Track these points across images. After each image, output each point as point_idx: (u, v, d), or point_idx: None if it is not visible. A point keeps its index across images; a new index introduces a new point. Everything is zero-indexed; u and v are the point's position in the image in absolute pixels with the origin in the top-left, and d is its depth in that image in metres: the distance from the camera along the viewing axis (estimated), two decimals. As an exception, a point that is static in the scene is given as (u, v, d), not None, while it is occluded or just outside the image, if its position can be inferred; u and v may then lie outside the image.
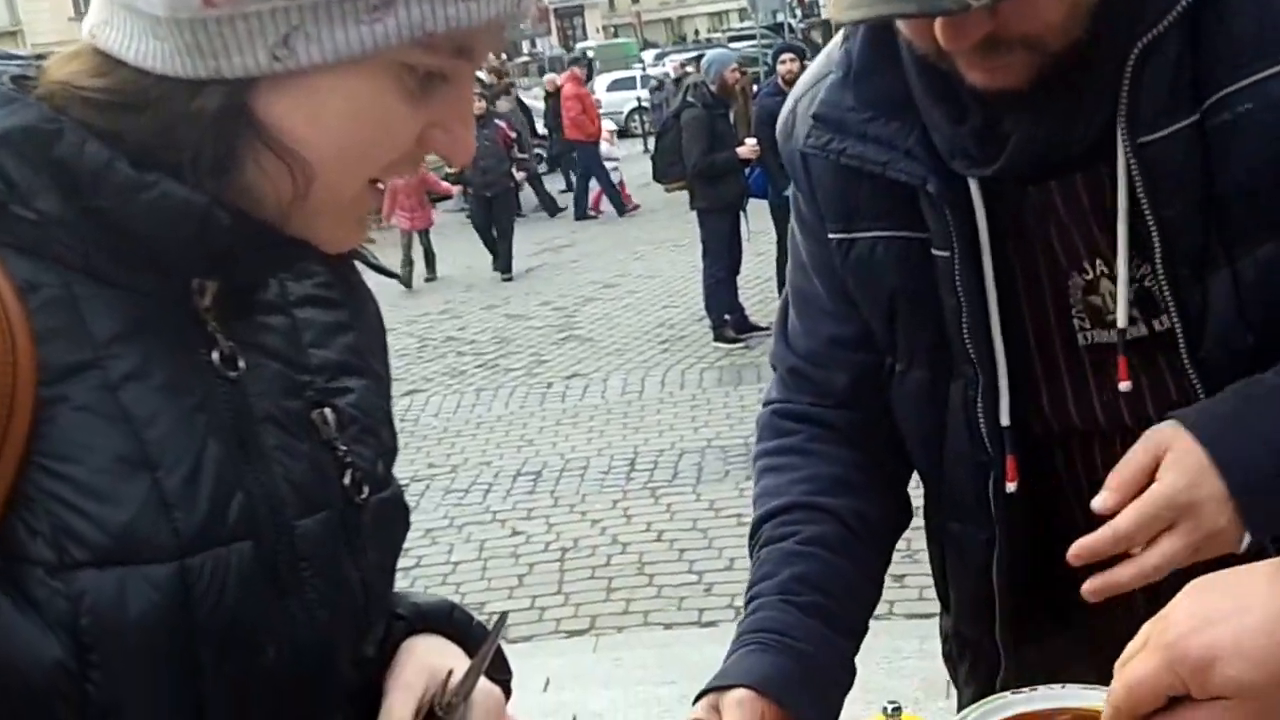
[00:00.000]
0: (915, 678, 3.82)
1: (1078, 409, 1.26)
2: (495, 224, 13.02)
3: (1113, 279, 1.19)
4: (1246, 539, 1.07)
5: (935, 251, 1.23)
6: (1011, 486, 1.26)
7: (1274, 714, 0.87)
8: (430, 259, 13.18)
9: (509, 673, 1.05)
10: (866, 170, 1.24)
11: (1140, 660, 0.89)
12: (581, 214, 16.57)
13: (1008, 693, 1.26)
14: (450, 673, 0.94)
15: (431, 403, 8.83)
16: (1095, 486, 1.18)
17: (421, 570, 5.92)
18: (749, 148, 9.01)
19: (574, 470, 7.01)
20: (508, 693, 1.02)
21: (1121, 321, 1.18)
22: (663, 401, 8.15)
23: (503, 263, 12.94)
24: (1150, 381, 1.22)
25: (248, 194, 0.82)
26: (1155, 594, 1.24)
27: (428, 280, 13.04)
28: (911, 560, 4.73)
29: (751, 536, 1.35)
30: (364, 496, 0.92)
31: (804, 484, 1.33)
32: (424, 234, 12.92)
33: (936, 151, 1.20)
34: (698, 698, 1.20)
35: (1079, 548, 1.11)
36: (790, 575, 1.26)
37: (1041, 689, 1.26)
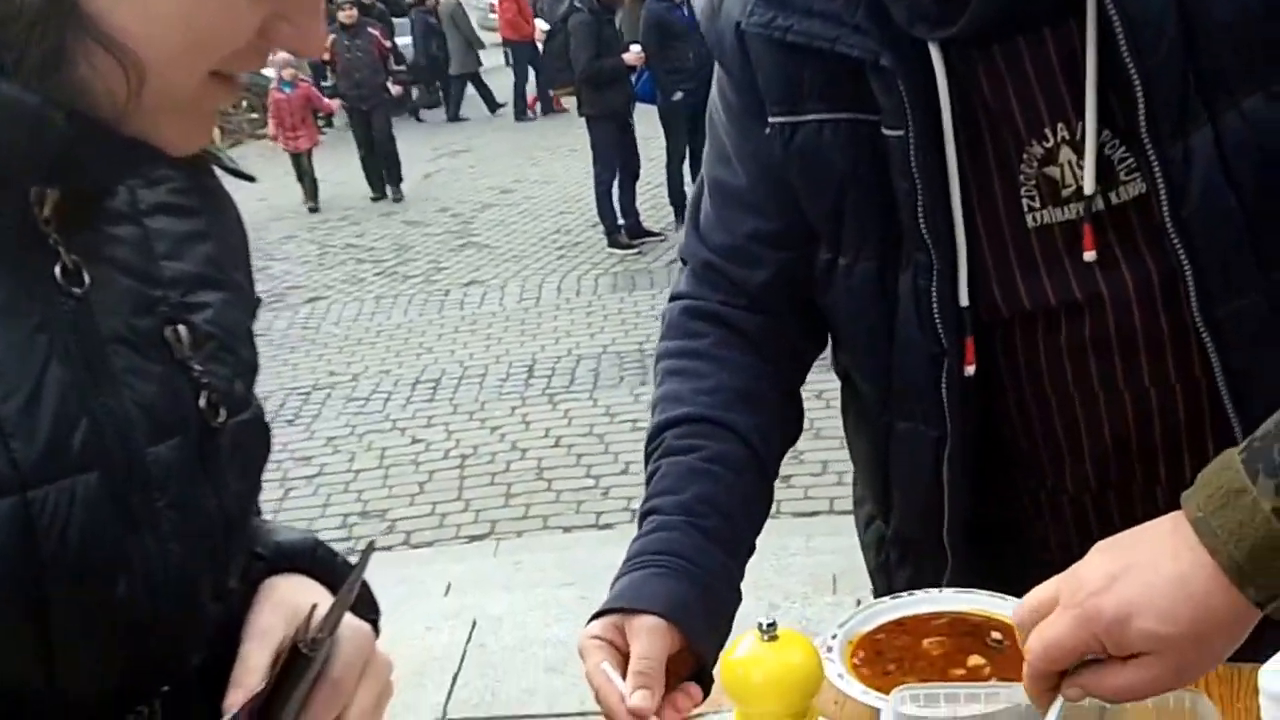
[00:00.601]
0: (802, 574, 3.94)
1: (1028, 292, 1.20)
2: (374, 139, 12.18)
3: (1074, 146, 1.14)
4: None
5: (887, 132, 1.17)
6: (970, 370, 1.21)
7: (1191, 667, 0.86)
8: (313, 186, 12.32)
9: (377, 611, 0.99)
10: (814, 47, 1.16)
11: (1054, 620, 0.88)
12: (520, 114, 16.38)
13: (886, 598, 1.28)
14: (314, 608, 0.86)
15: (332, 311, 8.74)
16: (1052, 369, 1.21)
17: (324, 478, 5.90)
18: (634, 54, 8.91)
19: (473, 377, 7.03)
20: (377, 631, 0.95)
21: (1089, 186, 1.13)
22: (559, 308, 8.15)
23: (392, 178, 12.26)
24: (1106, 259, 1.17)
25: (82, 93, 0.74)
26: (1105, 508, 1.28)
27: (311, 211, 12.21)
28: (798, 462, 4.95)
29: (651, 440, 1.28)
30: (221, 420, 0.85)
31: (710, 395, 1.27)
32: (307, 155, 12.19)
33: (887, 22, 1.13)
34: (598, 614, 1.15)
35: None
36: (694, 496, 1.21)
37: (919, 593, 1.27)
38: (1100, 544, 0.90)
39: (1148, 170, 1.10)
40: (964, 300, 1.19)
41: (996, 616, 1.22)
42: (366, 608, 0.96)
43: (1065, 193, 1.16)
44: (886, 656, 1.20)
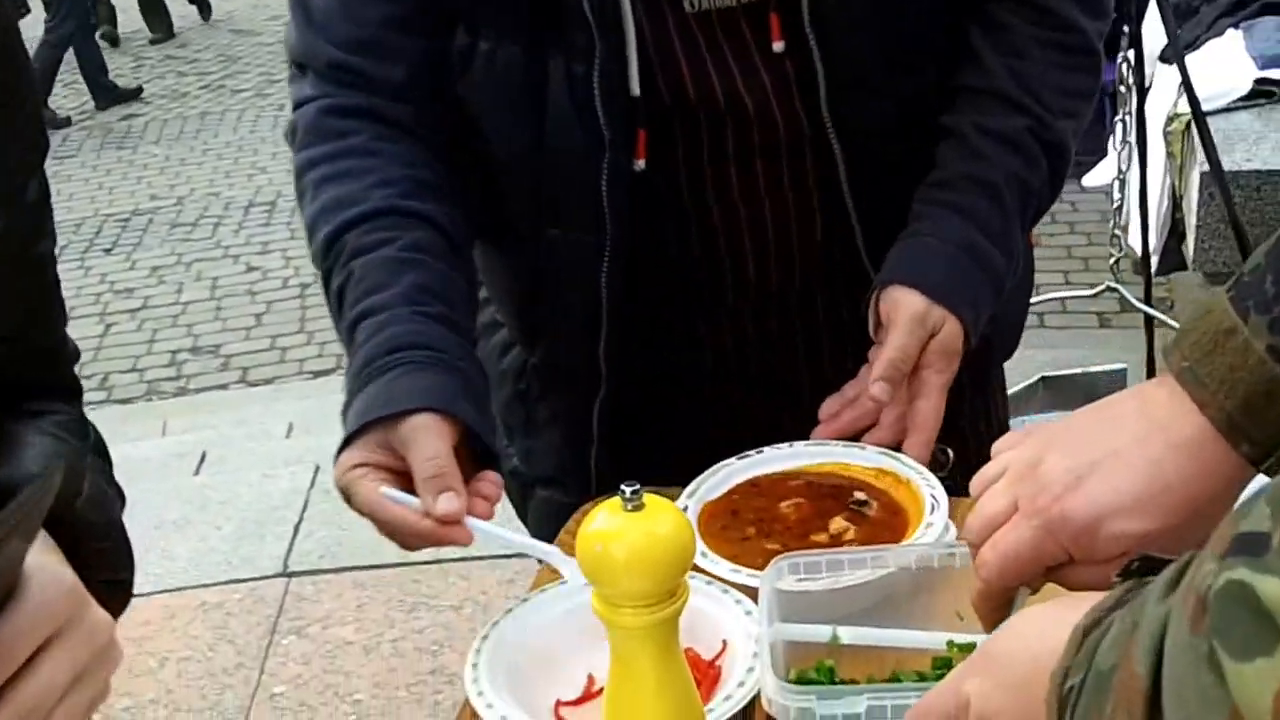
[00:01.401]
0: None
1: (694, 80, 1.17)
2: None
3: None
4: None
5: None
6: (640, 164, 1.16)
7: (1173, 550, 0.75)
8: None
9: (128, 568, 0.83)
10: None
11: (1012, 530, 0.78)
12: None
13: (733, 459, 1.18)
14: None
15: (151, 128, 8.32)
16: (716, 169, 1.19)
17: (150, 312, 5.63)
18: None
19: (311, 200, 6.68)
20: (127, 595, 0.82)
21: None
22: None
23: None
24: (760, 50, 1.16)
25: None
26: (763, 311, 1.28)
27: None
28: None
29: (326, 253, 1.15)
30: None
31: (382, 188, 1.16)
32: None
33: None
34: (348, 441, 1.04)
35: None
36: (410, 285, 1.11)
37: (769, 449, 1.19)
38: (1054, 431, 0.80)
39: None
40: (635, 90, 1.14)
41: (858, 474, 1.17)
42: (111, 562, 0.79)
43: None
44: (744, 519, 1.13)
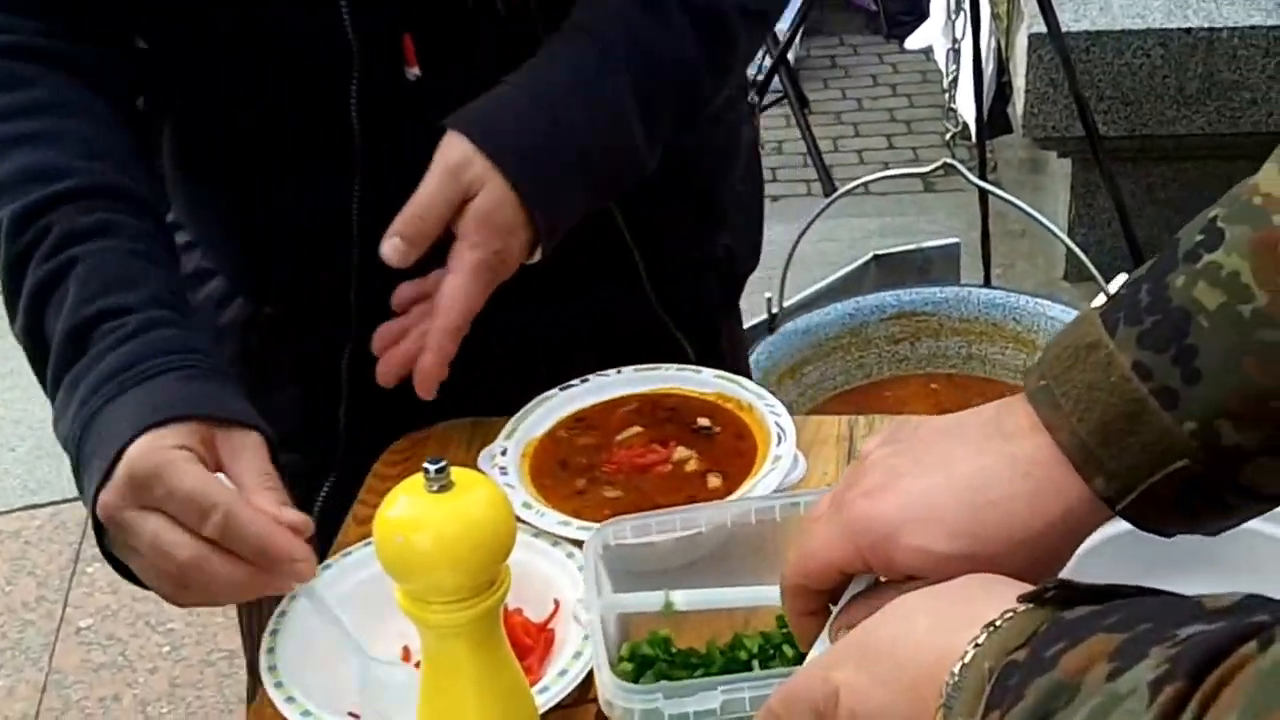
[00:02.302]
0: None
1: None
2: None
3: None
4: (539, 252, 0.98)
5: None
6: (414, 73, 1.00)
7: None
8: None
9: None
10: None
11: (822, 527, 0.66)
12: None
13: (555, 389, 1.07)
14: None
15: None
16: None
17: None
18: None
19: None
20: None
21: None
22: None
23: None
24: None
25: None
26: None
27: None
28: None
29: (28, 221, 0.94)
30: None
31: (87, 160, 0.97)
32: None
33: None
34: (153, 425, 0.85)
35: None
36: (162, 285, 0.95)
37: (593, 377, 1.09)
38: (911, 427, 0.68)
39: None
40: None
41: (697, 395, 1.07)
42: None
43: None
44: (574, 467, 1.02)
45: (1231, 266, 0.57)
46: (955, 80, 1.83)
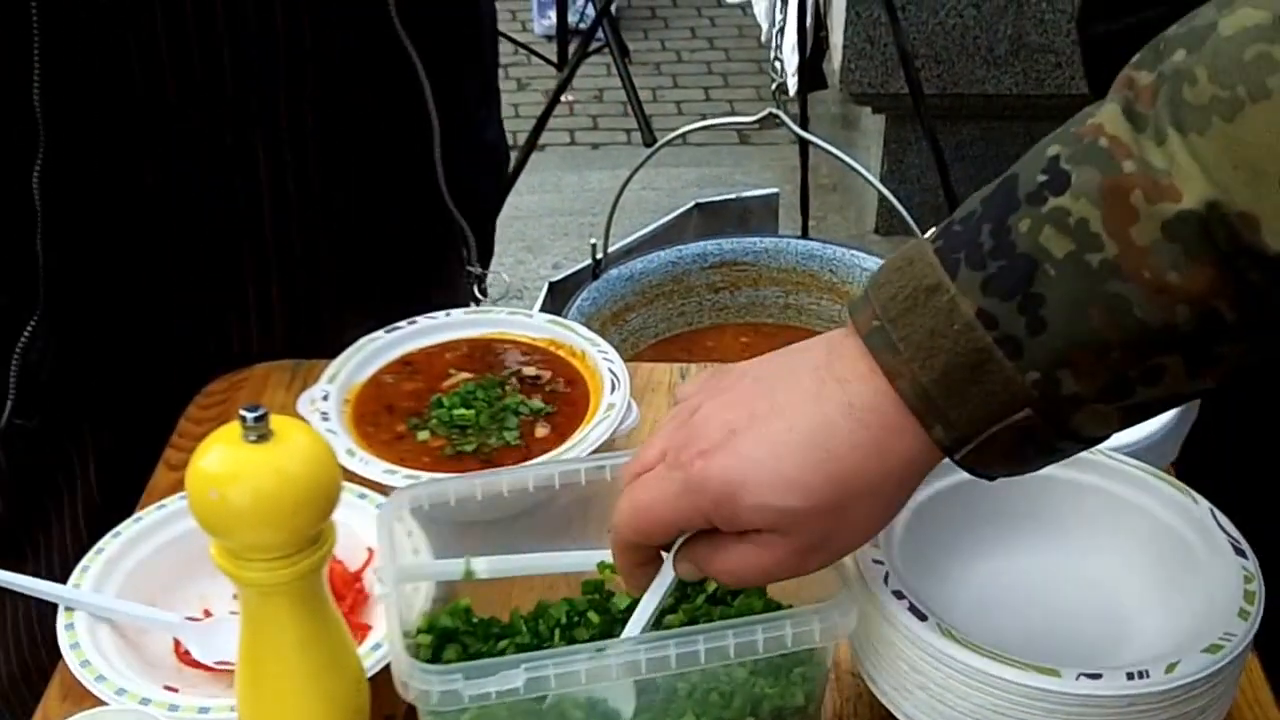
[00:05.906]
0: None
1: None
2: None
3: None
4: None
5: None
6: None
7: (824, 548, 0.63)
8: None
9: None
10: None
11: (653, 481, 0.64)
12: None
13: (380, 330, 1.02)
14: None
15: None
16: None
17: None
18: None
19: None
20: None
21: None
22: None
23: None
24: None
25: None
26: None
27: None
28: None
29: None
30: None
31: None
32: None
33: None
34: None
35: None
36: None
37: (422, 319, 1.05)
38: (732, 375, 0.66)
39: None
40: None
41: (527, 340, 1.04)
42: None
43: None
44: (398, 411, 0.98)
45: (1080, 213, 0.55)
46: (782, 31, 1.83)
